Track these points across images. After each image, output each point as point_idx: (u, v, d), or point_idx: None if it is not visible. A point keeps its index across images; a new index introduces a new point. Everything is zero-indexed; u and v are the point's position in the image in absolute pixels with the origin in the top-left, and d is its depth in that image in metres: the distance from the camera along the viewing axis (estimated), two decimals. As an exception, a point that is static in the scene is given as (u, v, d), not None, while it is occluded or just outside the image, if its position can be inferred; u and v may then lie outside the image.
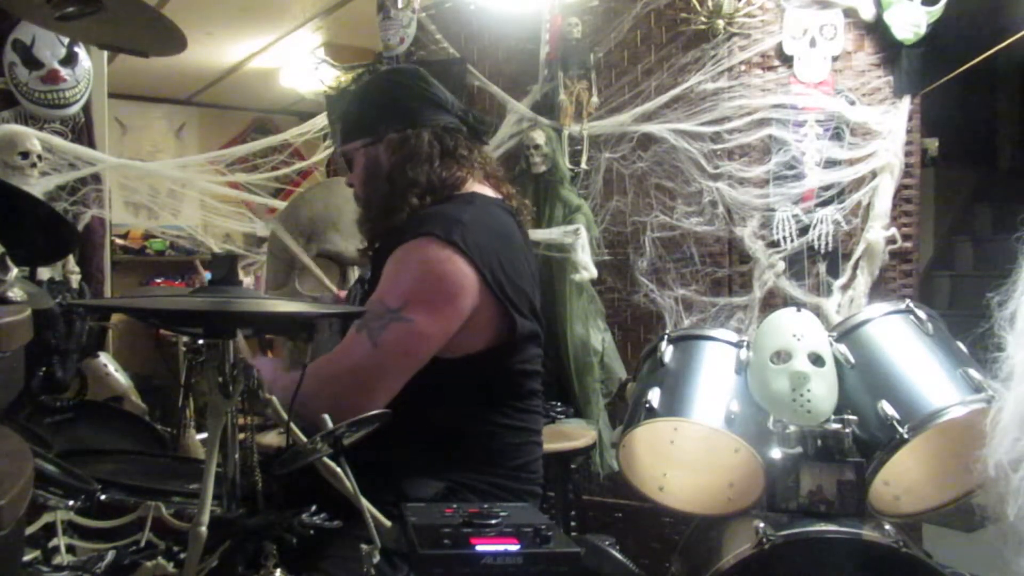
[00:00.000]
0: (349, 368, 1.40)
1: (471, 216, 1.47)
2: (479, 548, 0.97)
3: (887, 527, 1.65)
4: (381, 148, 1.56)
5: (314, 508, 1.10)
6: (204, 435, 2.07)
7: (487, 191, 1.60)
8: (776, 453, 1.77)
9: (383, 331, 1.38)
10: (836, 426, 1.75)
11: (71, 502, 1.15)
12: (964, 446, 1.63)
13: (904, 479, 1.82)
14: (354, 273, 2.40)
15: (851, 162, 2.60)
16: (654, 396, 1.86)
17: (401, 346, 1.39)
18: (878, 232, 2.56)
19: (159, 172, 3.57)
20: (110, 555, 1.09)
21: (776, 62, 2.71)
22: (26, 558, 1.08)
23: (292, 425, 1.15)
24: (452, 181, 1.55)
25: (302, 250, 2.18)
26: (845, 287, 2.60)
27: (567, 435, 2.49)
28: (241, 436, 1.09)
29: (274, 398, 1.14)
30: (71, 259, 2.87)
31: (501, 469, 1.49)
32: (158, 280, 5.66)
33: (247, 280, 3.66)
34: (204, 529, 0.96)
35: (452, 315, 1.41)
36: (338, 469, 1.12)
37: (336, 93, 3.45)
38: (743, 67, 2.71)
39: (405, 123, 1.55)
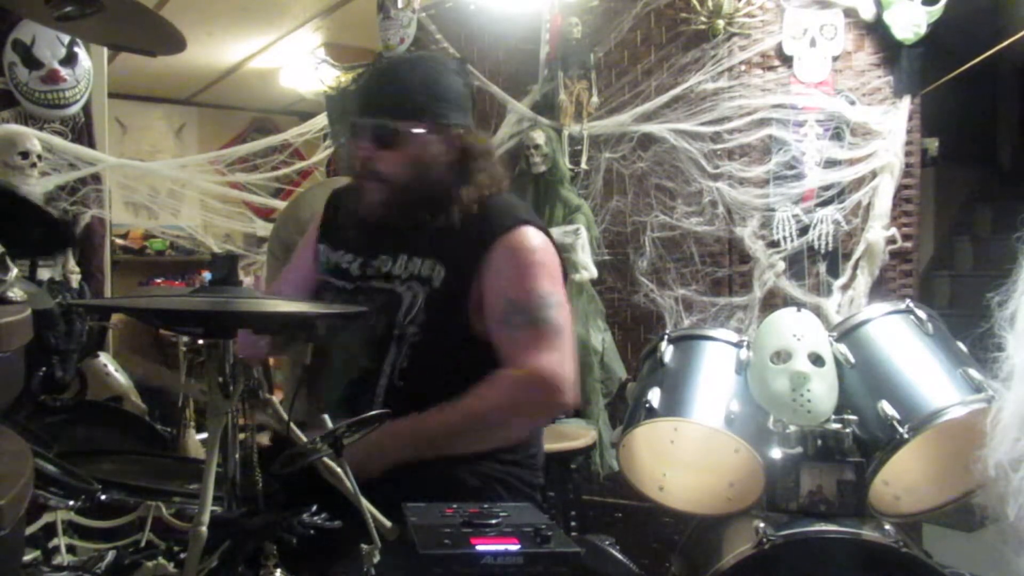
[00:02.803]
0: (555, 357, 1.46)
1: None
2: (479, 548, 0.97)
3: (887, 527, 1.65)
4: (440, 138, 1.53)
5: (314, 508, 1.10)
6: (204, 435, 2.07)
7: None
8: (776, 453, 1.77)
9: (556, 316, 1.48)
10: (836, 426, 1.75)
11: (71, 502, 1.15)
12: (964, 446, 1.62)
13: (904, 479, 1.82)
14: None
15: (851, 162, 2.60)
16: (654, 396, 1.86)
17: (566, 321, 1.51)
18: (878, 232, 2.56)
19: (159, 172, 3.58)
20: (110, 555, 1.09)
21: (776, 62, 2.70)
22: (26, 558, 1.08)
23: (292, 425, 1.16)
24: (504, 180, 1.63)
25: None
26: (845, 287, 2.60)
27: (567, 435, 2.49)
28: (241, 436, 1.09)
29: (274, 398, 1.14)
30: (71, 259, 2.87)
31: (518, 456, 1.54)
32: (158, 280, 5.66)
33: (247, 280, 3.66)
34: (204, 529, 0.96)
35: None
36: (338, 469, 1.12)
37: (336, 93, 3.45)
38: (743, 67, 2.71)
39: (468, 120, 1.58)
